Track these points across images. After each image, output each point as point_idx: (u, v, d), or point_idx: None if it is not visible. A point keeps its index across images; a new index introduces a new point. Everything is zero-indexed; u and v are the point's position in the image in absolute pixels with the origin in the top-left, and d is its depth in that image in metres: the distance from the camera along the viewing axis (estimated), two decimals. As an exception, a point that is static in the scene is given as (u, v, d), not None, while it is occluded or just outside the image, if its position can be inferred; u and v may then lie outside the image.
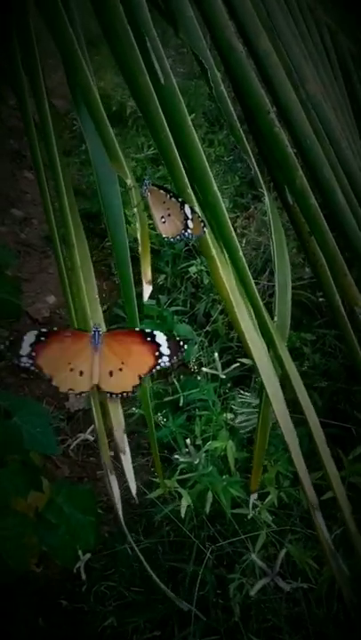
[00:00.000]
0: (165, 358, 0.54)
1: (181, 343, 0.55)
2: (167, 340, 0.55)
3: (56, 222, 0.52)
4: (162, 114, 0.53)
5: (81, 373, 0.53)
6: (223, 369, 1.48)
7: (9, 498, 1.15)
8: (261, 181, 0.59)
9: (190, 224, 0.54)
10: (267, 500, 1.27)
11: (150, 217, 0.58)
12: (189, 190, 0.53)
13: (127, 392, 0.53)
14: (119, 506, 0.45)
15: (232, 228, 0.53)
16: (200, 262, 2.48)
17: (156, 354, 0.54)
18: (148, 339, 0.54)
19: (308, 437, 0.53)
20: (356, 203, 0.73)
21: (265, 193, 0.60)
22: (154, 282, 2.47)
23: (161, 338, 0.55)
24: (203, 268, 2.47)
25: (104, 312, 0.55)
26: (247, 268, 0.52)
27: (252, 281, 0.52)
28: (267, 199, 0.60)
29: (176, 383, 1.68)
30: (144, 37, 0.63)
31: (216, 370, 1.41)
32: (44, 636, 1.73)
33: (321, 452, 0.49)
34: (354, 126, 0.97)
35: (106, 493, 2.20)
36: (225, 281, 0.50)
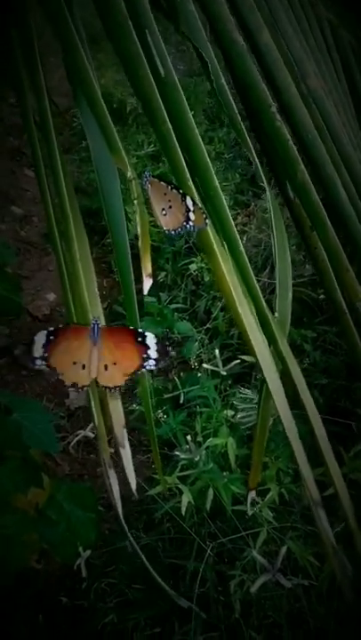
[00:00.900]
0: (152, 362, 0.54)
1: (169, 349, 0.54)
2: (156, 344, 0.54)
3: (55, 217, 0.51)
4: (163, 107, 0.52)
5: (83, 367, 0.53)
6: (224, 366, 1.47)
7: (9, 495, 1.15)
8: (263, 176, 0.59)
9: (192, 216, 0.54)
10: (268, 497, 1.27)
11: (150, 212, 0.57)
12: (190, 184, 0.53)
13: (118, 386, 0.52)
14: (119, 502, 0.45)
15: (233, 223, 0.53)
16: (200, 260, 2.48)
17: (144, 356, 0.54)
18: (140, 339, 0.54)
19: (309, 434, 0.53)
20: (357, 198, 0.73)
21: (266, 188, 0.60)
22: (154, 279, 2.46)
23: (151, 340, 0.54)
24: (203, 265, 2.46)
25: (104, 309, 0.55)
26: (248, 263, 0.52)
27: (253, 276, 0.51)
28: (268, 194, 0.59)
29: (177, 380, 1.68)
30: (145, 32, 0.62)
31: (217, 366, 1.41)
32: (44, 633, 1.73)
33: (322, 447, 0.49)
34: (355, 122, 0.97)
35: (106, 490, 2.20)
36: (227, 276, 0.49)
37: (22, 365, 0.53)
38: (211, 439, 1.39)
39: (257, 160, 0.59)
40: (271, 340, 0.51)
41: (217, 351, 1.53)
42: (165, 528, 1.61)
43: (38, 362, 0.54)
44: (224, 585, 1.38)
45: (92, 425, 1.62)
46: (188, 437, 1.35)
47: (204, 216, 0.53)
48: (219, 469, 1.34)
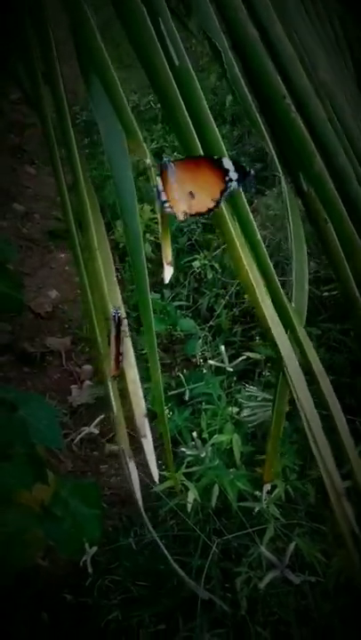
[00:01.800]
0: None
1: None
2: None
3: (72, 207, 0.50)
4: (179, 95, 0.52)
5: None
6: (229, 362, 1.47)
7: (13, 491, 1.15)
8: (279, 165, 0.58)
9: (233, 175, 0.54)
10: (274, 494, 1.27)
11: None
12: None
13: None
14: (139, 494, 0.44)
15: (250, 212, 0.52)
16: (204, 257, 2.47)
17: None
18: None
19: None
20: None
21: (282, 178, 0.59)
22: (157, 276, 2.46)
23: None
24: (206, 262, 2.46)
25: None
26: (265, 251, 0.51)
27: (271, 265, 0.51)
28: (283, 183, 0.59)
29: (181, 376, 1.67)
30: (158, 20, 0.62)
31: (223, 362, 1.40)
32: (47, 630, 1.73)
33: (343, 437, 0.48)
34: (365, 115, 0.96)
35: (109, 487, 2.20)
36: (245, 263, 0.49)
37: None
38: (216, 436, 1.38)
39: (273, 150, 0.58)
40: (289, 329, 0.51)
41: (222, 347, 1.52)
42: (170, 525, 1.60)
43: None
44: (230, 582, 1.37)
45: (96, 421, 1.62)
46: (194, 434, 1.35)
47: (248, 171, 0.55)
48: (224, 466, 1.34)
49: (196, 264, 2.47)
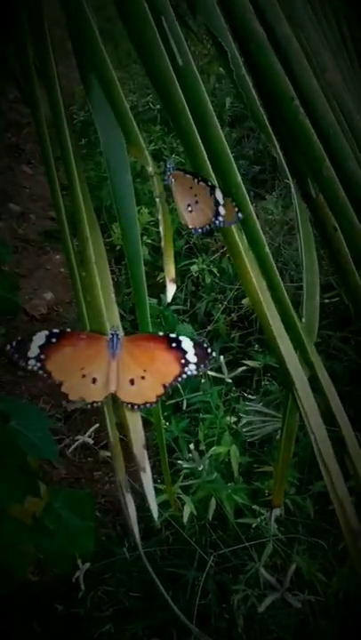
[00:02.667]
0: (192, 366, 0.49)
1: (209, 350, 0.49)
2: (194, 347, 0.49)
3: (66, 213, 0.47)
4: (182, 96, 0.48)
5: (94, 381, 0.47)
6: (227, 370, 1.43)
7: (6, 504, 1.11)
8: (287, 171, 0.55)
9: (222, 210, 0.49)
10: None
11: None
12: (213, 177, 0.48)
13: (151, 402, 0.47)
14: (136, 529, 0.40)
15: (257, 221, 0.49)
16: (202, 261, 2.43)
17: (182, 361, 0.49)
18: (174, 344, 0.49)
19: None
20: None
21: (291, 184, 0.55)
22: (153, 279, 2.42)
23: (187, 344, 0.49)
24: (204, 266, 2.42)
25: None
26: (274, 265, 0.47)
27: (280, 279, 0.47)
28: (293, 191, 0.55)
29: (179, 385, 1.63)
30: (160, 18, 0.58)
31: (222, 373, 1.37)
32: (39, 641, 1.69)
33: (354, 457, 0.45)
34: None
35: (103, 494, 2.16)
36: (254, 280, 0.45)
37: (12, 363, 0.47)
38: (214, 448, 1.35)
39: (281, 154, 0.54)
40: (299, 346, 0.47)
41: (222, 358, 1.48)
42: (164, 536, 1.56)
43: (31, 362, 0.48)
44: (225, 596, 1.34)
45: (92, 429, 1.58)
46: (192, 446, 1.31)
47: (236, 209, 0.49)
48: (222, 480, 1.30)
49: (194, 268, 2.44)
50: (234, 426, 1.46)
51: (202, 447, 1.39)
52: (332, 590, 1.14)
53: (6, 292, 1.52)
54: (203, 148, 0.48)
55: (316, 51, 0.80)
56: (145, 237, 2.50)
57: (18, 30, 0.60)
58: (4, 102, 3.96)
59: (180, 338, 0.49)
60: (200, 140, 0.48)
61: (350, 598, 1.15)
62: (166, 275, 0.43)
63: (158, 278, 2.54)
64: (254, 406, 1.30)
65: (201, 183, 0.49)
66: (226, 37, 0.62)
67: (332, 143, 0.66)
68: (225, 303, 2.33)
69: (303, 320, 0.51)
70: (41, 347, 0.48)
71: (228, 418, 1.48)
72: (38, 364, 0.48)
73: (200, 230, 0.50)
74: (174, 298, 2.50)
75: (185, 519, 1.25)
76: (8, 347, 0.48)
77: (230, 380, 1.39)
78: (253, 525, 1.21)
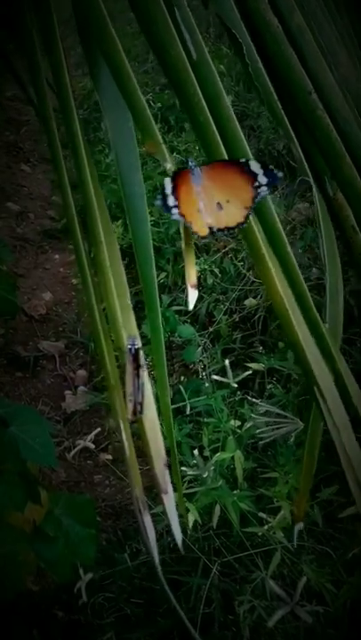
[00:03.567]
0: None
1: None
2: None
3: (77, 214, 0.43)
4: (198, 89, 0.45)
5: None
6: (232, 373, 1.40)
7: (5, 512, 1.07)
8: (307, 169, 0.52)
9: (262, 179, 0.47)
10: (278, 516, 1.20)
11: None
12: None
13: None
14: (155, 553, 0.37)
15: (278, 221, 0.46)
16: (203, 261, 2.40)
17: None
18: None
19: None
20: None
21: (312, 183, 0.52)
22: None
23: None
24: (206, 267, 2.39)
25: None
26: (296, 266, 0.44)
27: (303, 281, 0.44)
28: (314, 191, 0.52)
29: (181, 387, 1.59)
30: (173, 8, 0.55)
31: (226, 377, 1.33)
32: (38, 649, 1.65)
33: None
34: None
35: (104, 498, 2.12)
36: (278, 285, 0.42)
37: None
38: (219, 454, 1.31)
39: (300, 152, 0.51)
40: (324, 353, 0.44)
41: (227, 362, 1.45)
42: (167, 542, 1.53)
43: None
44: (230, 604, 1.31)
45: (93, 433, 1.54)
46: (196, 452, 1.27)
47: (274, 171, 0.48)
48: (227, 487, 1.27)
49: (196, 268, 2.40)
50: (238, 430, 1.43)
51: (206, 453, 1.36)
52: (341, 601, 1.11)
53: (5, 293, 1.49)
54: (223, 149, 0.45)
55: (329, 44, 0.77)
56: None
57: (22, 22, 0.57)
58: (2, 100, 3.93)
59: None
60: (218, 137, 0.45)
61: (359, 608, 1.12)
62: (187, 280, 0.40)
63: (160, 279, 2.51)
64: (266, 406, 1.27)
65: (234, 167, 0.47)
66: (240, 29, 0.59)
67: (350, 140, 0.63)
68: (227, 304, 2.29)
69: (327, 325, 0.48)
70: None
71: (232, 422, 1.45)
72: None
73: (225, 231, 0.46)
74: (175, 298, 2.47)
75: (189, 525, 1.22)
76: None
77: (235, 385, 1.36)
78: (260, 534, 1.18)
